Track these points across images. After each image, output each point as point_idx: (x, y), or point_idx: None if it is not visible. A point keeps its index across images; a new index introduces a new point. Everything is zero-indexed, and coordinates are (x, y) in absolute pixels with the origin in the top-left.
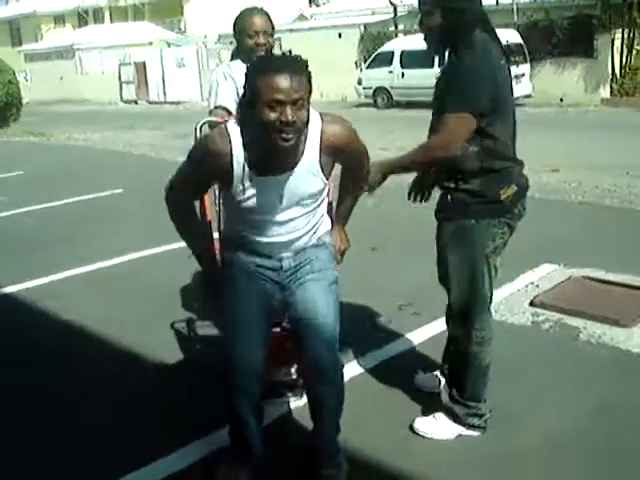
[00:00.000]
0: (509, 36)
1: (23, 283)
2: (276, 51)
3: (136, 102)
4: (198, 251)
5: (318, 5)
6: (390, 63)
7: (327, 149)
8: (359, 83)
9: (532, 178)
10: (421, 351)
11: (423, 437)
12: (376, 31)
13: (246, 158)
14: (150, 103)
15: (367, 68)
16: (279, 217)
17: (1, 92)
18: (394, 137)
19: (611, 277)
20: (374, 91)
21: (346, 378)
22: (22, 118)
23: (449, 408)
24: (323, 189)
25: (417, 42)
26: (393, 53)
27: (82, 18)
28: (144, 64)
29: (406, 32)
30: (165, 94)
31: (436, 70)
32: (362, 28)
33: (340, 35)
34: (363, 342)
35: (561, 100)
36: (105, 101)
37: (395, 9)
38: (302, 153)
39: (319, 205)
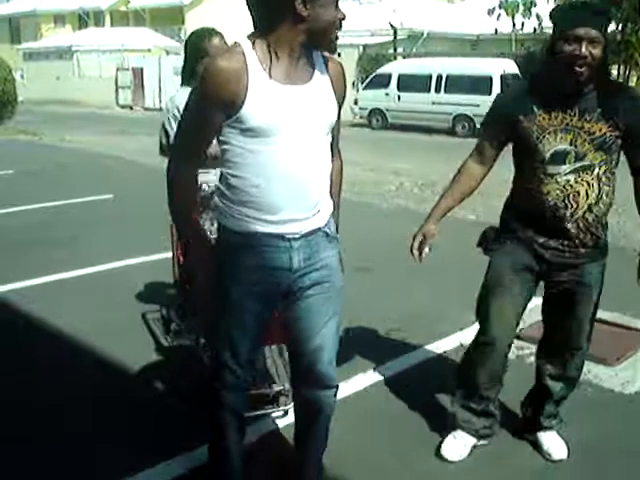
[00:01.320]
0: (506, 66)
1: (2, 285)
2: None
3: (131, 107)
4: (189, 233)
5: None
6: (387, 85)
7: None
8: (355, 103)
9: None
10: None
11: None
12: (375, 53)
13: (265, 68)
14: (145, 109)
15: (364, 89)
16: (297, 140)
17: None
18: (389, 159)
19: (599, 315)
20: (370, 112)
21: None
22: (16, 117)
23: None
24: (335, 121)
25: (415, 66)
26: (391, 75)
27: (82, 20)
28: (142, 70)
29: (405, 55)
30: (161, 101)
31: (432, 95)
32: (361, 49)
33: (339, 54)
34: (350, 366)
35: None
36: (101, 104)
37: (395, 32)
38: (313, 67)
39: (329, 149)
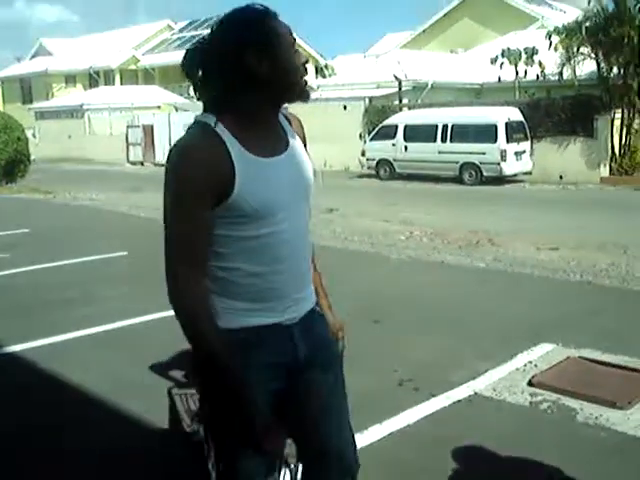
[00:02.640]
0: (511, 114)
1: (23, 343)
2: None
3: (142, 164)
4: (219, 349)
5: (325, 77)
6: (394, 136)
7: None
8: (363, 154)
9: (531, 256)
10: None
11: None
12: (380, 104)
13: (245, 145)
14: (156, 165)
15: (371, 140)
16: (292, 215)
17: (10, 149)
18: (397, 209)
19: (608, 358)
20: (377, 163)
21: None
22: (29, 175)
23: None
24: (312, 181)
25: (420, 116)
26: (397, 126)
27: (93, 79)
28: (152, 127)
29: (410, 106)
30: None
31: (438, 144)
32: (367, 101)
33: (345, 107)
34: (363, 417)
35: (561, 177)
36: (112, 162)
37: (400, 83)
38: (283, 130)
39: (309, 211)
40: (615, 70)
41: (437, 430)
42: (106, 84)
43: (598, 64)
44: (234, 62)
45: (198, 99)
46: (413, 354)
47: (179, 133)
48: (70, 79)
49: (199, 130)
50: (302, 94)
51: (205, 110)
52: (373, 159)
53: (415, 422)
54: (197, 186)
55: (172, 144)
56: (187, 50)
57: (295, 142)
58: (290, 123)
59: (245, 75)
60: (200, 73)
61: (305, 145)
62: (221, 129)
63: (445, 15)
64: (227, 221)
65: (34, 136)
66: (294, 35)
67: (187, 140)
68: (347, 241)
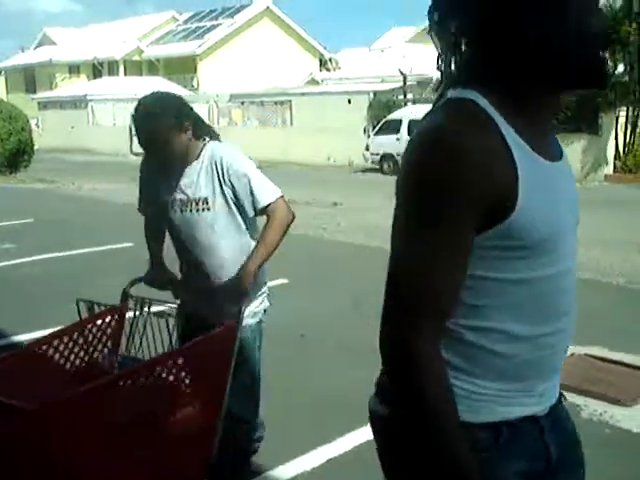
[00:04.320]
0: None
1: (25, 334)
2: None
3: None
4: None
5: (329, 70)
6: (398, 131)
7: None
8: (367, 149)
9: None
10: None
11: None
12: (385, 99)
13: (526, 141)
14: None
15: (375, 134)
16: (567, 246)
17: (14, 139)
18: None
19: (614, 356)
20: (381, 157)
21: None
22: (33, 165)
23: None
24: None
25: (424, 111)
26: (401, 121)
27: (97, 69)
28: None
29: (415, 101)
30: None
31: None
32: (371, 95)
33: (350, 101)
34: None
35: None
36: (115, 152)
37: (405, 78)
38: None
39: None
40: (620, 68)
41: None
42: (110, 75)
43: None
44: (501, 12)
45: (440, 70)
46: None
47: None
48: (74, 69)
49: (461, 111)
50: (596, 77)
51: (455, 86)
52: (377, 154)
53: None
54: (463, 195)
55: (414, 132)
56: None
57: (565, 156)
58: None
59: (516, 36)
60: (452, 29)
61: None
62: (493, 112)
63: None
64: (493, 254)
65: (37, 126)
66: None
67: (444, 125)
68: (351, 235)
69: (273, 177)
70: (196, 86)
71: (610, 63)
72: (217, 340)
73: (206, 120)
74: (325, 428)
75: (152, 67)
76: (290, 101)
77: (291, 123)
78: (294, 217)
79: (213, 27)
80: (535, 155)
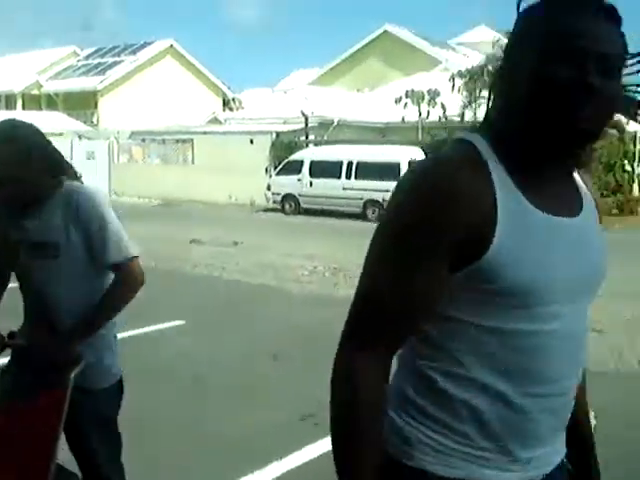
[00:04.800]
0: (413, 153)
1: None
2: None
3: None
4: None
5: (232, 109)
6: (299, 171)
7: None
8: (268, 188)
9: None
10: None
11: None
12: (287, 139)
13: (517, 185)
14: None
15: (277, 175)
16: (563, 307)
17: None
18: (301, 244)
19: None
20: (283, 197)
21: None
22: None
23: None
24: (605, 271)
25: (326, 153)
26: (303, 162)
27: None
28: None
29: (316, 142)
30: None
31: (343, 181)
32: (274, 135)
33: (252, 141)
34: (263, 454)
35: None
36: None
37: (306, 120)
38: (577, 188)
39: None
40: None
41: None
42: (7, 109)
43: None
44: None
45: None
46: (314, 390)
47: (82, 161)
48: None
49: (453, 150)
50: (582, 136)
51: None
52: (279, 193)
53: (316, 457)
54: (443, 223)
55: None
56: None
57: (590, 207)
58: (585, 184)
59: (541, 85)
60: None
61: (600, 217)
62: (489, 154)
63: (352, 54)
64: (466, 297)
65: None
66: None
67: (428, 162)
68: (250, 276)
69: (174, 215)
70: (96, 122)
71: None
72: (40, 410)
73: (106, 156)
74: (218, 473)
75: (51, 102)
76: (192, 139)
77: (192, 161)
78: (143, 283)
79: (115, 63)
80: (527, 204)
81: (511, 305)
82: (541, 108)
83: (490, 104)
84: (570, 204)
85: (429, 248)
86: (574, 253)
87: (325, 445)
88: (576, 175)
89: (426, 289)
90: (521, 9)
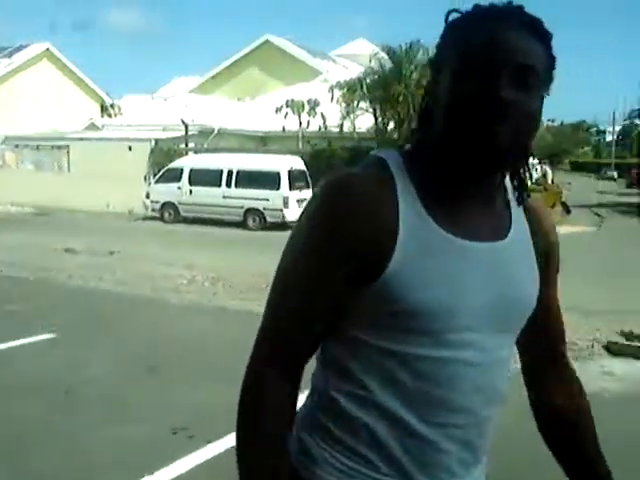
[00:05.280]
0: (293, 162)
1: None
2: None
3: None
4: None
5: (110, 116)
6: (179, 179)
7: None
8: (147, 197)
9: None
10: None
11: None
12: (167, 147)
13: (425, 207)
14: None
15: (156, 183)
16: (479, 335)
17: None
18: (180, 253)
19: None
20: (162, 205)
21: None
22: None
23: None
24: (531, 307)
25: (206, 161)
26: (182, 170)
27: None
28: None
29: (196, 150)
30: None
31: (223, 189)
32: (153, 143)
33: (130, 148)
34: (134, 469)
35: None
36: None
37: (186, 127)
38: (508, 209)
39: (511, 352)
40: (391, 125)
41: (211, 478)
42: None
43: (376, 118)
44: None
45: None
46: (189, 401)
47: None
48: None
49: (368, 166)
50: (483, 155)
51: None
52: (158, 202)
53: (188, 471)
54: (343, 236)
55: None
56: None
57: (523, 236)
58: (532, 215)
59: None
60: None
61: (550, 260)
62: (399, 169)
63: (234, 63)
64: (367, 317)
65: None
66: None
67: (345, 172)
68: (127, 286)
69: (48, 224)
70: None
71: (382, 120)
72: None
73: None
74: None
75: None
76: (68, 146)
77: (68, 168)
78: None
79: None
80: (435, 226)
81: (415, 329)
82: (454, 125)
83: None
84: (491, 228)
85: (329, 262)
86: (491, 279)
87: (199, 458)
88: (512, 200)
89: (325, 305)
90: (449, 21)
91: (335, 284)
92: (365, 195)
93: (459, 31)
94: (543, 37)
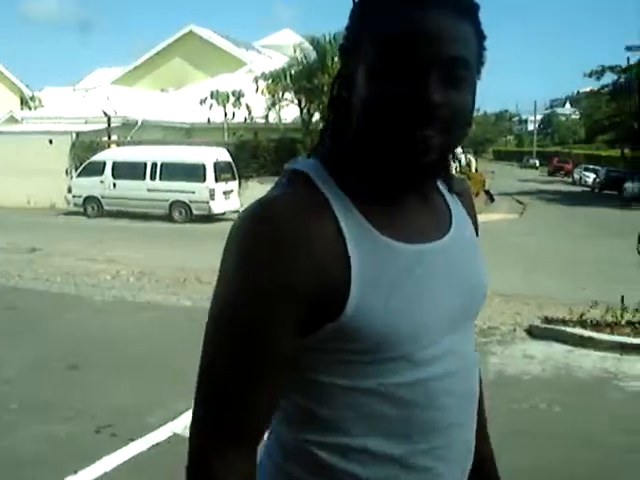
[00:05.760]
0: (219, 154)
1: None
2: None
3: None
4: None
5: (30, 109)
6: (102, 173)
7: None
8: (69, 191)
9: None
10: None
11: None
12: (89, 140)
13: (370, 222)
14: None
15: (78, 176)
16: (443, 344)
17: None
18: (104, 247)
19: None
20: (84, 200)
21: None
22: None
23: None
24: (486, 290)
25: (129, 154)
26: (105, 163)
27: None
28: None
29: (119, 143)
30: None
31: (147, 182)
32: (74, 136)
33: (51, 141)
34: (56, 469)
35: None
36: None
37: (109, 120)
38: (445, 201)
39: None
40: (317, 115)
41: (135, 476)
42: None
43: (301, 109)
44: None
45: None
46: (112, 399)
47: None
48: None
49: (293, 188)
50: (408, 156)
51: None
52: (80, 196)
53: (113, 469)
54: (287, 279)
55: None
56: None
57: (462, 220)
58: (464, 198)
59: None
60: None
61: (477, 227)
62: (328, 186)
63: (157, 53)
64: (333, 358)
65: None
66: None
67: (268, 202)
68: (49, 282)
69: None
70: None
71: (307, 111)
72: None
73: None
74: None
75: None
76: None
77: None
78: None
79: None
80: (383, 238)
81: (386, 359)
82: (375, 129)
83: (327, 121)
84: (436, 225)
85: (270, 315)
86: (448, 279)
87: (122, 456)
88: (441, 186)
89: (281, 362)
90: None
91: (285, 338)
92: (302, 224)
93: (372, 11)
94: (469, 12)
